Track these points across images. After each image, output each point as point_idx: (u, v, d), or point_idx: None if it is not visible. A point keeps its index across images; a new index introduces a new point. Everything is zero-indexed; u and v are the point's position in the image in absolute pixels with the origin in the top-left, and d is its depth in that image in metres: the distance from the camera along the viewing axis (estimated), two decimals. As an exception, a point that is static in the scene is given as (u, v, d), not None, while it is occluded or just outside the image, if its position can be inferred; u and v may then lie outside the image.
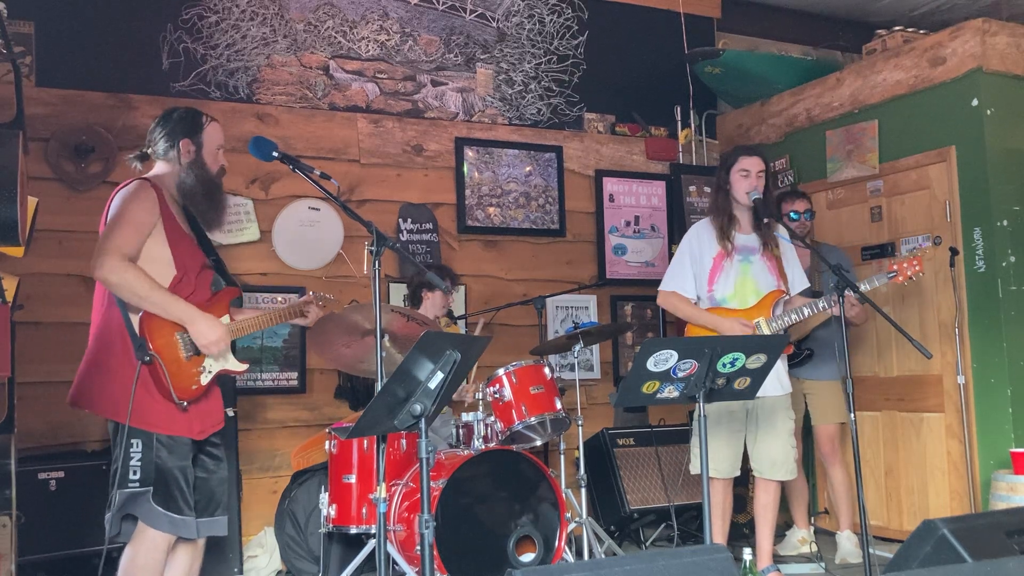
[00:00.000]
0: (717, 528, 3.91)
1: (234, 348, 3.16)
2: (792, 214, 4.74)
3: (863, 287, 3.79)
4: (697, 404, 3.10)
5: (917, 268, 3.84)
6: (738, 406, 3.90)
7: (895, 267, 3.86)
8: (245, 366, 3.17)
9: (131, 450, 2.89)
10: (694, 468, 4.00)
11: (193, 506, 3.01)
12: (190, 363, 2.99)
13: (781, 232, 4.04)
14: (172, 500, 2.93)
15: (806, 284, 4.03)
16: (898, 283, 3.89)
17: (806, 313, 3.83)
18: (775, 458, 3.94)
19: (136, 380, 2.86)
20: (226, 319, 3.12)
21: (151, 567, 2.93)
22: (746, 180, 3.90)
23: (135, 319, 2.93)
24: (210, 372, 3.04)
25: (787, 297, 3.95)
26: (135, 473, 2.89)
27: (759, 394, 3.49)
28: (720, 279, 3.94)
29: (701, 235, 4.00)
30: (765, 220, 3.94)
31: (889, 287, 5.14)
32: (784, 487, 4.25)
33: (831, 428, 4.79)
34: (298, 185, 5.09)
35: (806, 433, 5.06)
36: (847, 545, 4.68)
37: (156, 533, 2.92)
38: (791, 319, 3.84)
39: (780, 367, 3.95)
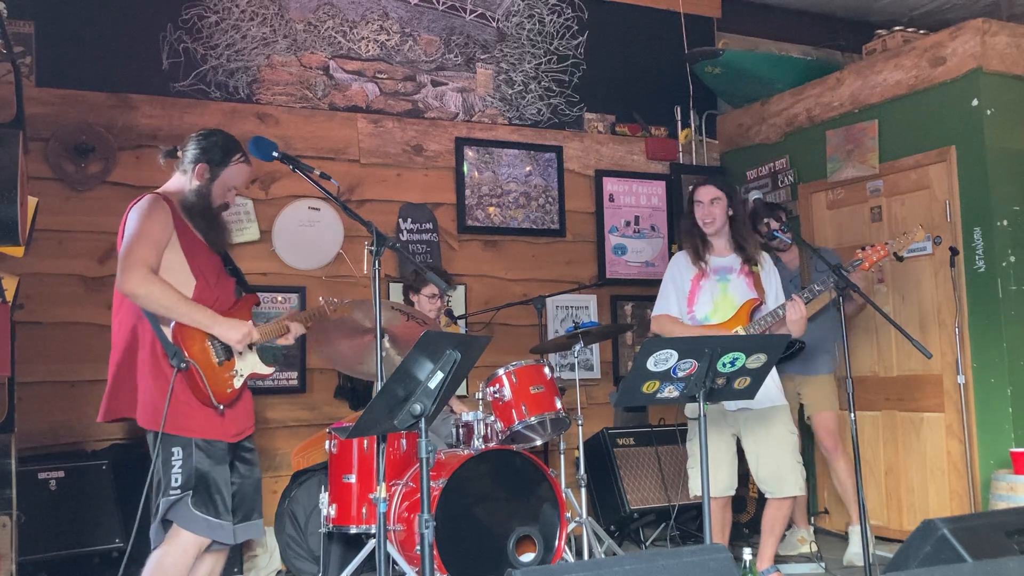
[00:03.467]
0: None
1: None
2: (774, 233, 4.68)
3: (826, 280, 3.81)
4: (697, 405, 3.10)
5: (882, 254, 3.89)
6: (721, 422, 3.91)
7: (860, 255, 3.91)
8: (271, 369, 3.25)
9: (172, 459, 2.95)
10: (693, 490, 3.98)
11: (232, 511, 3.05)
12: (223, 368, 3.06)
13: (765, 257, 4.08)
14: (211, 504, 2.98)
15: (782, 301, 4.00)
16: (864, 270, 3.95)
17: (780, 314, 3.84)
18: (781, 474, 3.90)
19: (171, 388, 2.91)
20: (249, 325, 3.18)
21: (178, 569, 2.95)
22: (699, 209, 4.04)
23: (167, 329, 2.98)
24: (241, 376, 3.12)
25: (765, 306, 3.95)
26: (176, 480, 2.94)
27: (748, 405, 3.51)
28: (699, 299, 3.99)
29: (680, 261, 4.11)
30: (765, 220, 3.97)
31: (889, 286, 5.15)
32: None
33: (828, 417, 4.75)
34: (298, 185, 5.09)
35: (803, 429, 5.06)
36: (855, 546, 4.63)
37: (189, 536, 2.96)
38: (768, 321, 3.86)
39: (772, 378, 3.91)
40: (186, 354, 2.95)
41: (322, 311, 3.47)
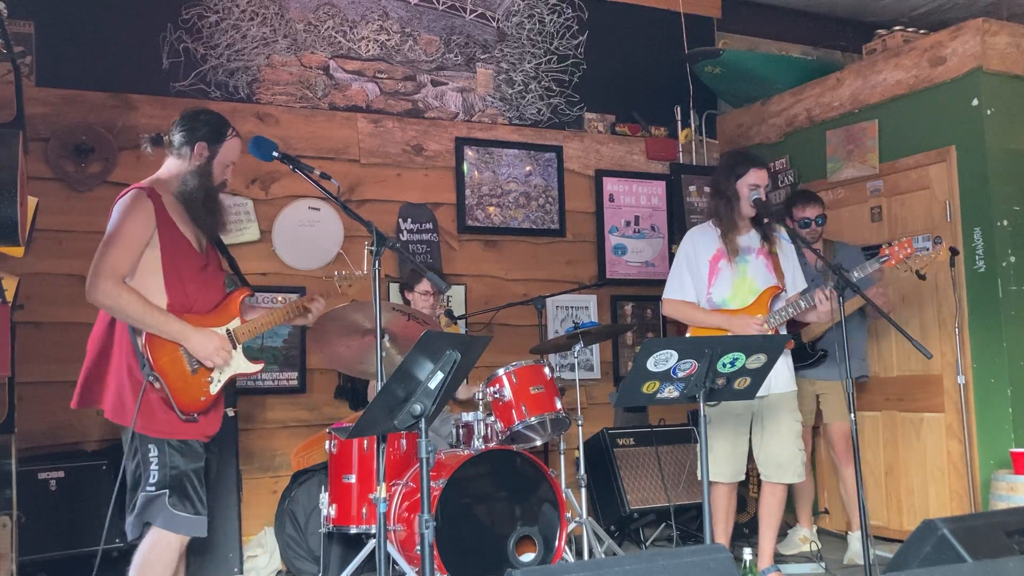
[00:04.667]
0: (720, 532, 3.91)
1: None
2: (803, 221, 4.69)
3: (855, 275, 3.77)
4: (699, 404, 3.10)
5: (909, 250, 3.81)
6: (742, 408, 3.89)
7: (887, 252, 3.84)
8: (259, 366, 3.18)
9: (149, 455, 2.94)
10: (700, 473, 3.98)
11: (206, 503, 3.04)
12: (197, 376, 3.00)
13: (781, 232, 4.05)
14: (188, 500, 2.96)
15: (803, 285, 4.01)
16: (891, 267, 3.87)
17: (802, 306, 3.84)
18: (782, 460, 3.92)
19: (141, 395, 2.88)
20: (236, 322, 3.11)
21: (164, 563, 2.94)
22: (756, 194, 3.90)
23: (139, 337, 2.93)
24: (219, 381, 3.06)
25: (784, 293, 3.95)
26: (153, 477, 2.93)
27: (763, 392, 3.49)
28: (718, 281, 3.95)
29: (696, 239, 4.03)
30: (766, 220, 3.95)
31: (889, 286, 5.15)
32: (791, 485, 4.23)
33: (845, 426, 4.75)
34: (298, 185, 5.09)
35: (817, 433, 5.06)
36: (857, 546, 4.65)
37: (171, 534, 2.94)
38: (788, 313, 3.85)
39: (785, 363, 3.92)
40: (153, 367, 2.89)
41: (333, 289, 3.34)
